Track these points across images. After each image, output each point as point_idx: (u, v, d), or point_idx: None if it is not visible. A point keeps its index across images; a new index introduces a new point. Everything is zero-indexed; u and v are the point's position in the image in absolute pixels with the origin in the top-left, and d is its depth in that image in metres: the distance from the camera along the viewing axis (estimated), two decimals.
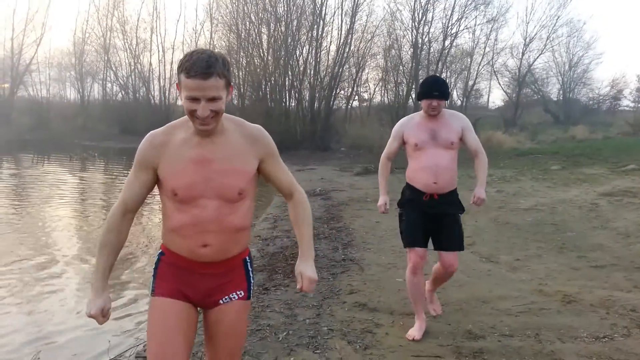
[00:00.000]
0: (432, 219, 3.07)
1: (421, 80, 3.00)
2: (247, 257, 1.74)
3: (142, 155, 1.59)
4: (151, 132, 1.62)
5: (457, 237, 3.12)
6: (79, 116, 28.02)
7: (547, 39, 26.12)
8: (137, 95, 28.68)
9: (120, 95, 29.75)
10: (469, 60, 25.10)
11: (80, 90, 30.48)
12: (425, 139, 2.99)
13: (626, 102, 30.84)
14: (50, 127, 26.74)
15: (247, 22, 22.12)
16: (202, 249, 1.60)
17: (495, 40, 25.40)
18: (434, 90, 2.95)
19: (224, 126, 1.59)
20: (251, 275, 1.74)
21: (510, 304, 3.67)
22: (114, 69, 29.14)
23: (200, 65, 1.43)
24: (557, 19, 25.66)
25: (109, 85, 30.15)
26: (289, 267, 4.65)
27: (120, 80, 29.24)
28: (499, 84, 28.75)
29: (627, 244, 5.29)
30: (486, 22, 23.75)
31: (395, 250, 5.28)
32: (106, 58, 28.85)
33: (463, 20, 22.18)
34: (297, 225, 1.77)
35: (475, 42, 24.69)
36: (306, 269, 1.68)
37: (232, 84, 1.56)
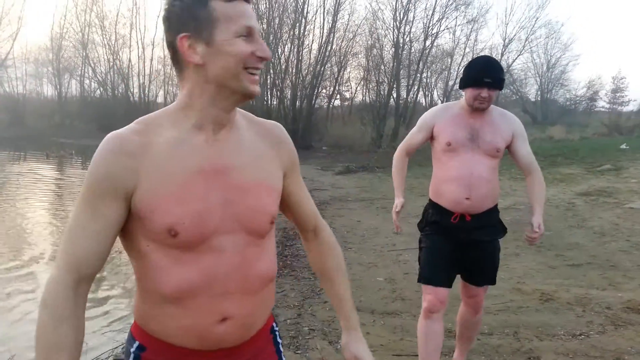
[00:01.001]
0: (462, 248, 2.38)
1: (467, 63, 2.40)
2: (274, 325, 1.20)
3: (104, 174, 0.94)
4: (114, 133, 0.98)
5: (491, 270, 2.47)
6: (56, 113, 27.55)
7: (526, 40, 26.50)
8: (116, 92, 28.26)
9: (98, 92, 29.30)
10: (449, 60, 25.33)
11: (58, 86, 29.95)
12: (462, 138, 2.31)
13: (602, 103, 31.57)
14: (27, 124, 26.22)
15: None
16: (220, 327, 1.00)
17: (475, 40, 25.66)
18: (485, 75, 2.24)
19: (237, 119, 1.07)
20: (282, 353, 1.20)
21: (489, 303, 3.71)
22: (92, 65, 28.67)
23: None
24: (535, 20, 26.05)
25: (87, 81, 29.67)
26: None
27: (98, 76, 28.77)
28: None
29: (602, 242, 5.40)
30: (466, 22, 24.01)
31: (376, 249, 5.31)
32: (84, 54, 28.38)
33: (444, 20, 22.36)
34: (328, 279, 1.25)
35: (456, 43, 24.94)
36: (361, 348, 1.19)
37: None
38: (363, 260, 4.93)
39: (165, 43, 1.01)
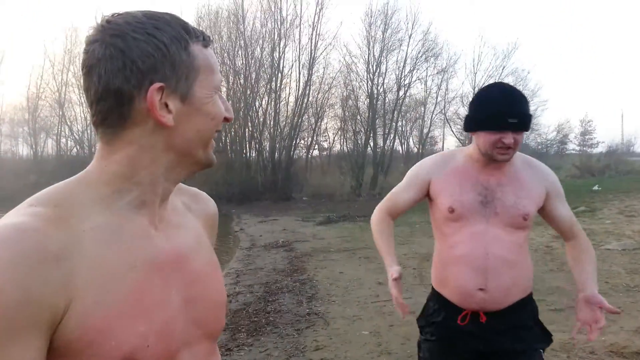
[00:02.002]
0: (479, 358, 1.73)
1: (477, 94, 1.74)
2: None
3: (17, 299, 0.59)
4: (17, 225, 0.63)
5: None
6: (32, 173, 27.14)
7: None
8: (93, 149, 28.11)
9: (75, 150, 29.12)
10: (422, 109, 26.06)
11: (34, 145, 29.68)
12: (471, 202, 1.69)
13: (572, 146, 32.62)
14: (1, 184, 25.75)
15: None
16: None
17: (446, 89, 26.53)
18: (509, 113, 1.58)
19: None
20: None
21: None
22: (69, 123, 28.64)
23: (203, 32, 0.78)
24: (502, 69, 27.14)
25: (63, 140, 29.51)
26: (252, 325, 4.54)
27: (75, 135, 28.68)
28: (452, 131, 29.80)
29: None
30: (436, 73, 24.89)
31: (360, 301, 5.25)
32: (61, 113, 28.39)
33: (415, 71, 23.18)
34: None
35: (428, 92, 25.73)
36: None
37: None
38: (347, 314, 4.86)
39: (100, 86, 0.69)
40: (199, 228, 0.87)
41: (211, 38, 0.79)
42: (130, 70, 0.68)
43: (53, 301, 0.62)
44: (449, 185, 1.74)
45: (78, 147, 28.74)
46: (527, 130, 1.67)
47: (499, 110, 1.59)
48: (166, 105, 0.71)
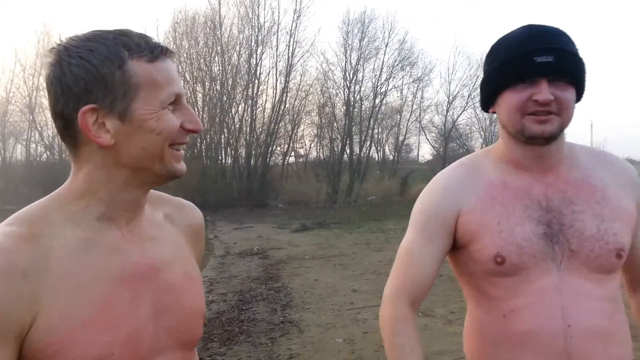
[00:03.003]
0: None
1: (494, 43, 1.10)
2: None
3: None
4: None
5: None
6: (0, 178, 26.43)
7: (469, 96, 28.00)
8: (64, 155, 27.54)
9: (45, 156, 28.47)
10: (398, 116, 26.36)
11: (2, 151, 28.91)
12: (530, 240, 1.05)
13: None
14: None
15: (182, 81, 22.11)
16: None
17: (422, 98, 26.94)
18: (540, 50, 1.00)
19: (146, 203, 0.87)
20: None
21: (447, 359, 3.71)
22: (39, 128, 28.00)
23: (159, 44, 0.78)
24: (476, 78, 27.64)
25: (33, 145, 28.84)
26: (225, 334, 4.49)
27: (45, 140, 28.05)
28: (427, 139, 30.23)
29: None
30: (412, 81, 25.23)
31: (334, 308, 5.25)
32: (31, 118, 27.74)
33: (391, 79, 23.47)
34: None
35: (404, 100, 26.06)
36: None
37: None
38: (321, 321, 4.85)
39: (50, 109, 0.74)
40: (179, 239, 0.88)
41: (166, 50, 0.77)
42: (67, 95, 0.72)
43: (20, 314, 0.67)
44: (489, 217, 1.06)
45: (48, 152, 28.11)
46: (575, 79, 1.02)
47: (523, 49, 1.00)
48: (104, 126, 0.73)
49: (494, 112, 1.12)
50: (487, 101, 1.12)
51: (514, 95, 1.03)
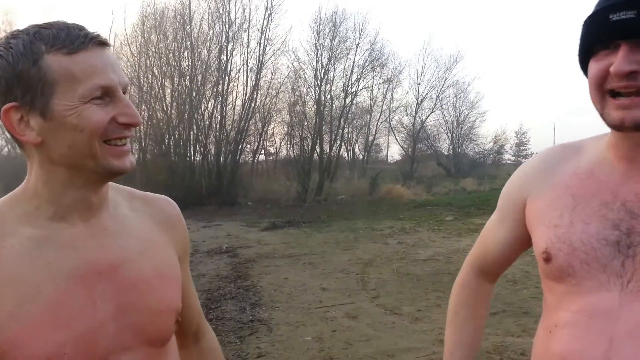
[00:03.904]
0: None
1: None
2: None
3: None
4: None
5: None
6: None
7: (437, 98, 28.48)
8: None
9: (6, 149, 27.48)
10: (368, 117, 26.54)
11: None
12: (590, 243, 0.83)
13: (508, 156, 34.23)
14: None
15: (150, 76, 21.78)
16: None
17: (391, 99, 27.20)
18: (616, 6, 0.75)
19: (111, 198, 0.85)
20: None
21: (413, 356, 3.80)
22: None
23: (88, 33, 0.73)
24: (444, 81, 28.15)
25: None
26: None
27: (6, 134, 27.08)
28: (396, 140, 30.62)
29: (515, 290, 5.74)
30: (382, 82, 25.45)
31: (304, 307, 5.28)
32: None
33: (362, 80, 23.58)
34: None
35: (374, 100, 26.26)
36: None
37: None
38: (291, 320, 4.87)
39: None
40: (149, 234, 0.86)
41: (92, 39, 0.72)
42: None
43: None
44: (552, 208, 0.91)
45: (9, 146, 27.13)
46: None
47: (600, 4, 0.81)
48: (28, 124, 0.72)
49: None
50: (584, 73, 0.86)
51: (593, 66, 0.81)
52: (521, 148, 35.01)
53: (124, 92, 0.76)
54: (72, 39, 0.71)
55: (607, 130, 0.86)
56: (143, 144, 21.58)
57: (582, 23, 0.83)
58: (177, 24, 21.33)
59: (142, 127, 21.76)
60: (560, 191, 0.91)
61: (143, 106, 21.83)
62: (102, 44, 0.73)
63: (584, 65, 0.85)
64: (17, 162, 25.59)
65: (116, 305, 0.77)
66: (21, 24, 0.76)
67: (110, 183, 0.84)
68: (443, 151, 32.24)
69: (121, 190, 0.89)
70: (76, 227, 0.76)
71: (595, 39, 0.80)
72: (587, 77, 0.84)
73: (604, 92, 0.79)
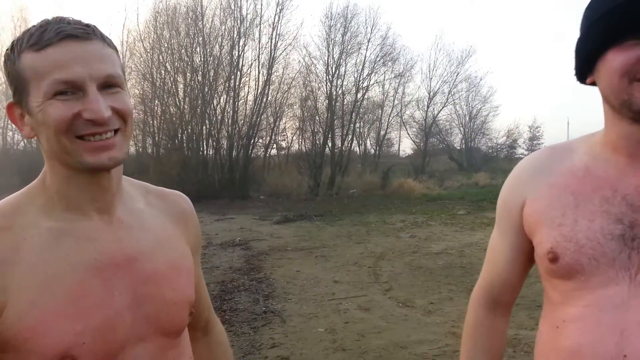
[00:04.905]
0: None
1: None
2: None
3: None
4: None
5: None
6: None
7: (449, 93, 28.27)
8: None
9: (22, 144, 27.87)
10: (380, 111, 26.45)
11: None
12: (596, 239, 0.85)
13: (521, 151, 33.89)
14: None
15: (163, 71, 21.93)
16: None
17: (403, 93, 27.04)
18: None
19: (126, 191, 0.87)
20: None
21: (426, 348, 3.82)
22: None
23: (65, 27, 0.73)
24: (456, 75, 27.91)
25: (10, 133, 28.17)
26: None
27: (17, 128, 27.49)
28: (408, 134, 30.48)
29: (528, 283, 5.66)
30: (394, 77, 25.32)
31: (316, 299, 5.32)
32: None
33: (373, 74, 23.49)
34: None
35: (385, 95, 26.14)
36: None
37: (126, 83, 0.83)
38: (303, 311, 4.92)
39: None
40: (164, 228, 0.88)
41: (61, 33, 0.71)
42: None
43: None
44: (553, 208, 0.91)
45: (25, 141, 27.52)
46: None
47: (620, 2, 0.80)
48: (24, 120, 0.76)
49: (593, 83, 0.88)
50: (584, 67, 0.89)
51: (620, 55, 0.80)
52: (534, 142, 34.62)
53: (111, 85, 0.74)
54: (43, 35, 0.72)
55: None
56: (156, 139, 21.77)
57: (602, 13, 0.83)
58: (189, 20, 21.42)
59: (155, 122, 21.94)
60: (559, 190, 0.92)
61: (156, 101, 22.00)
62: (75, 37, 0.72)
63: (592, 55, 0.85)
64: (32, 156, 25.95)
65: (132, 296, 0.79)
66: (36, 21, 0.78)
67: (125, 177, 0.87)
68: (455, 145, 32.06)
69: (137, 185, 0.91)
70: (92, 220, 0.79)
71: (626, 27, 0.79)
72: (585, 69, 0.88)
73: (632, 80, 0.79)
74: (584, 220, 0.86)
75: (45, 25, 0.73)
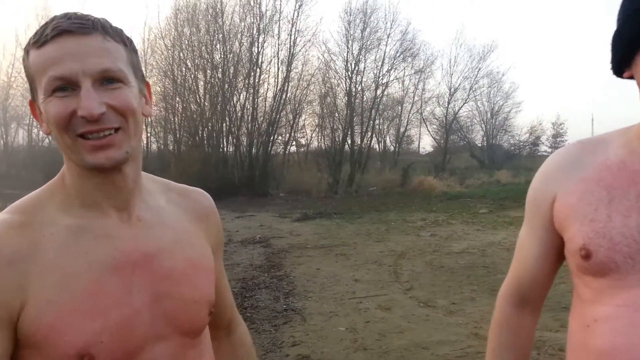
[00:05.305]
0: None
1: None
2: None
3: None
4: None
5: None
6: (2, 163, 26.45)
7: (470, 89, 27.96)
8: (55, 140, 27.57)
9: (47, 141, 28.46)
10: (399, 108, 26.29)
11: (4, 136, 28.88)
12: (632, 236, 0.81)
13: (544, 148, 33.36)
14: None
15: (183, 68, 22.13)
16: None
17: (423, 89, 26.87)
18: None
19: (147, 189, 0.85)
20: None
21: (448, 349, 3.78)
22: None
23: (62, 23, 0.71)
24: (478, 71, 27.59)
25: (35, 130, 28.79)
26: None
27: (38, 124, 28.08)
28: (428, 131, 30.24)
29: (553, 284, 5.62)
30: (414, 73, 25.14)
31: (336, 298, 5.31)
32: None
33: (393, 71, 23.36)
34: None
35: (405, 91, 25.99)
36: None
37: (145, 77, 0.82)
38: (324, 310, 4.91)
39: None
40: (184, 225, 0.87)
41: (58, 29, 0.70)
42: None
43: (7, 300, 0.69)
44: (585, 203, 0.88)
45: (50, 138, 28.08)
46: None
47: None
48: (41, 117, 0.75)
49: (631, 77, 0.84)
50: (622, 61, 0.85)
51: None
52: (558, 139, 34.07)
53: (111, 81, 0.72)
54: (44, 32, 0.71)
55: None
56: (178, 136, 22.00)
57: (632, 9, 0.81)
58: (209, 17, 21.57)
59: (176, 119, 22.16)
60: (592, 185, 0.88)
61: (177, 98, 22.23)
62: (70, 32, 0.70)
63: (630, 47, 0.82)
64: (56, 153, 26.43)
65: (151, 294, 0.78)
66: None
67: (146, 174, 0.86)
68: (476, 142, 31.71)
69: (158, 182, 0.90)
70: (110, 217, 0.77)
71: None
72: (623, 62, 0.84)
73: None
74: (618, 216, 0.83)
75: (48, 22, 0.72)
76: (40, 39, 0.71)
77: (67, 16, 0.72)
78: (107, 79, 0.72)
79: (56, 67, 0.69)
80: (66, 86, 0.70)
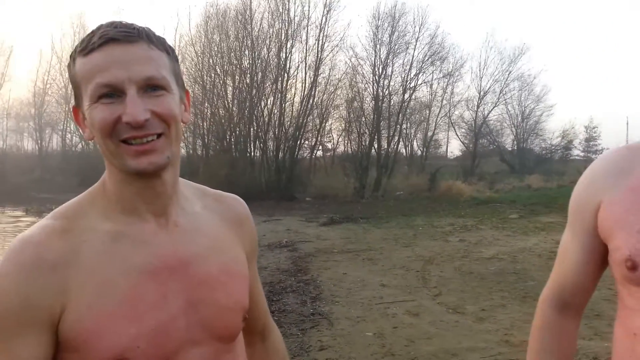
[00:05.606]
0: None
1: None
2: None
3: (17, 302, 0.70)
4: (26, 238, 0.74)
5: None
6: (37, 168, 27.33)
7: (500, 92, 27.55)
8: (98, 145, 28.28)
9: (80, 145, 29.29)
10: (427, 112, 26.08)
11: (39, 141, 29.86)
12: None
13: (576, 152, 32.52)
14: (6, 179, 25.88)
15: (213, 74, 22.48)
16: None
17: (452, 93, 26.59)
18: None
19: (183, 194, 0.86)
20: None
21: (478, 356, 3.71)
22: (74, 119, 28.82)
23: (109, 31, 0.73)
24: (508, 74, 27.18)
25: (68, 136, 29.70)
26: None
27: (80, 131, 28.86)
28: (457, 135, 29.92)
29: None
30: (442, 76, 24.92)
31: (364, 302, 5.28)
32: (67, 109, 28.52)
33: (421, 74, 23.20)
34: None
35: (433, 95, 25.78)
36: None
37: (185, 85, 0.84)
38: (351, 315, 4.89)
39: None
40: (219, 231, 0.88)
41: (105, 37, 0.72)
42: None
43: (49, 304, 0.71)
44: (632, 212, 0.85)
45: (83, 143, 28.89)
46: None
47: None
48: (85, 123, 0.78)
49: None
50: None
51: None
52: (591, 143, 33.20)
53: (155, 88, 0.74)
54: (90, 40, 0.74)
55: None
56: (206, 140, 22.33)
57: None
58: (239, 24, 21.86)
59: (205, 124, 22.49)
60: (639, 194, 0.86)
61: (206, 104, 22.57)
62: (116, 40, 0.72)
63: None
64: (90, 158, 27.17)
65: (186, 300, 0.79)
66: (93, 26, 0.80)
67: (182, 180, 0.87)
68: (507, 147, 31.19)
69: (194, 188, 0.91)
70: (148, 222, 0.79)
71: None
72: None
73: None
74: None
75: (95, 31, 0.74)
76: (87, 47, 0.73)
77: (114, 25, 0.75)
78: (151, 87, 0.74)
79: (103, 74, 0.71)
80: (112, 93, 0.72)
